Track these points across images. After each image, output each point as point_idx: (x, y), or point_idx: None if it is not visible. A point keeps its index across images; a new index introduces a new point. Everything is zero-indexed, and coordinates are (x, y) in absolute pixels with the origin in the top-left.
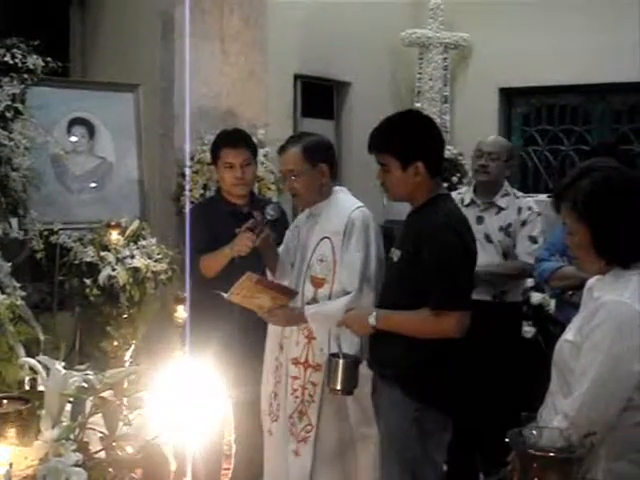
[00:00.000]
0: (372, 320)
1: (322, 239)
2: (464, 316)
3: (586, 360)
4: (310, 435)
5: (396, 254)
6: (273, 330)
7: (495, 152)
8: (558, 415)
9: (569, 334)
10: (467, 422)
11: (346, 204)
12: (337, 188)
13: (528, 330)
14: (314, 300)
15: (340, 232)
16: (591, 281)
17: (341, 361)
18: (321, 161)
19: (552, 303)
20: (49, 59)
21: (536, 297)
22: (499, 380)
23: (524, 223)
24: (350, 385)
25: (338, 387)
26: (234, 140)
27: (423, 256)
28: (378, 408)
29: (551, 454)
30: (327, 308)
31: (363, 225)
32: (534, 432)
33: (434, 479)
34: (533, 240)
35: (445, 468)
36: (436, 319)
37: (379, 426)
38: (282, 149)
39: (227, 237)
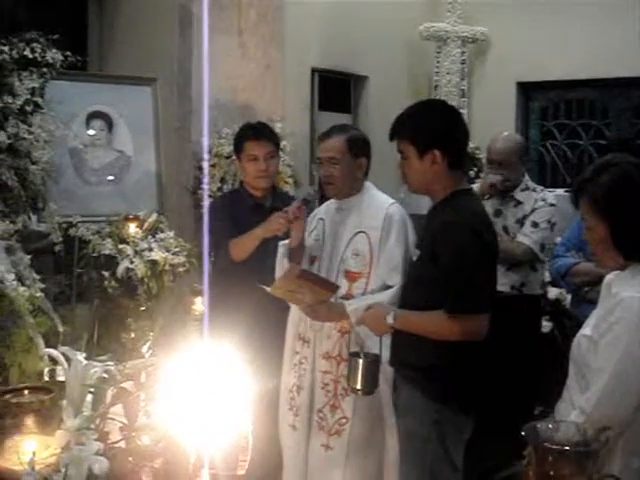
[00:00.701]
0: (390, 319)
1: (357, 233)
2: (481, 320)
3: (604, 356)
4: (345, 428)
5: (416, 253)
6: (292, 324)
7: (505, 159)
8: (575, 410)
9: (587, 329)
10: (484, 417)
11: (381, 199)
12: (367, 184)
13: (545, 325)
14: (349, 294)
15: (378, 227)
16: (609, 277)
17: (361, 361)
18: (361, 155)
19: (568, 298)
20: (68, 53)
21: (553, 292)
22: (516, 374)
23: (533, 211)
24: (370, 385)
25: (358, 387)
26: (258, 133)
27: (439, 256)
28: (398, 407)
29: (566, 448)
30: (369, 303)
31: (401, 220)
32: (550, 426)
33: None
34: (534, 225)
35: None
36: (452, 322)
37: (398, 425)
38: (326, 136)
39: (248, 230)
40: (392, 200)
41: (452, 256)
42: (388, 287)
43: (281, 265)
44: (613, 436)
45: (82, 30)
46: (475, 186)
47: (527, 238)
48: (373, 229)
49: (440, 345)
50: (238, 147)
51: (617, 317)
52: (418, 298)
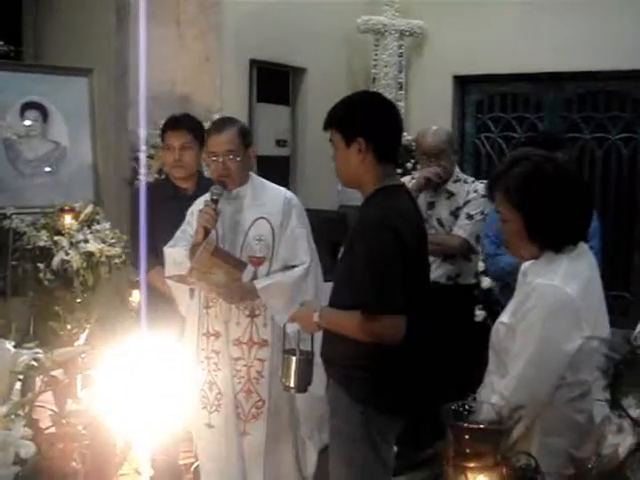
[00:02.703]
0: (316, 317)
1: (257, 219)
2: (396, 321)
3: (520, 342)
4: (262, 411)
5: (341, 250)
6: (192, 323)
7: (440, 150)
8: (495, 395)
9: (504, 317)
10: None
11: (274, 186)
12: (250, 173)
13: (478, 313)
14: (255, 279)
15: (278, 212)
16: (525, 265)
17: (294, 358)
18: (250, 144)
19: None
20: (1, 43)
21: (486, 281)
22: (450, 362)
23: (466, 202)
24: (303, 383)
25: (291, 385)
26: (176, 123)
27: (354, 253)
28: (328, 403)
29: (481, 426)
30: (279, 281)
31: (300, 205)
32: (466, 407)
33: (383, 478)
34: (469, 217)
35: (396, 449)
36: (366, 323)
37: (329, 423)
38: (217, 130)
39: (167, 218)
40: (284, 188)
41: (365, 255)
42: (293, 267)
43: (180, 269)
44: (531, 418)
45: (16, 19)
46: (406, 179)
47: (462, 230)
48: (273, 214)
49: (363, 345)
50: (162, 137)
51: (532, 304)
52: (345, 296)
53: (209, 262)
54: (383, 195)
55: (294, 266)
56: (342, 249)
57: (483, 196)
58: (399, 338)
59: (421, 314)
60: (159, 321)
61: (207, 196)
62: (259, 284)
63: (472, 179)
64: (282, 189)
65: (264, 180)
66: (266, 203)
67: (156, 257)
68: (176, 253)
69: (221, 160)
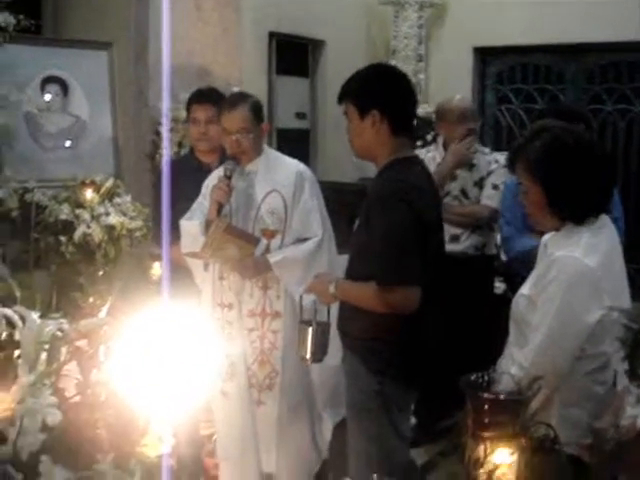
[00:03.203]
0: (332, 289)
1: (269, 192)
2: (411, 292)
3: (540, 313)
4: (276, 382)
5: (356, 222)
6: (207, 294)
7: (471, 111)
8: (514, 365)
9: (525, 288)
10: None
11: (287, 159)
12: (264, 146)
13: (498, 286)
14: (268, 252)
15: (290, 184)
16: (546, 237)
17: (310, 329)
18: (262, 120)
19: None
20: (21, 17)
21: None
22: (472, 333)
23: (490, 173)
24: (319, 353)
25: (307, 355)
26: (201, 96)
27: (370, 226)
28: (345, 374)
29: (501, 397)
30: (292, 254)
31: (312, 177)
32: (486, 377)
33: (400, 450)
34: (494, 187)
35: (414, 420)
36: (381, 294)
37: (345, 395)
38: (231, 106)
39: (190, 192)
40: (296, 160)
41: (381, 228)
42: (306, 240)
43: (196, 242)
44: (550, 389)
45: None
46: (422, 152)
47: (491, 201)
48: (285, 187)
49: (381, 317)
50: (187, 111)
51: (552, 276)
52: (361, 268)
53: (222, 239)
54: (397, 167)
55: (307, 239)
56: (357, 221)
57: (505, 166)
58: (413, 309)
59: (436, 286)
60: (178, 291)
61: (221, 170)
62: (272, 258)
63: (488, 149)
64: (295, 162)
65: (277, 153)
66: (279, 176)
67: (178, 231)
68: (191, 226)
69: (234, 137)
